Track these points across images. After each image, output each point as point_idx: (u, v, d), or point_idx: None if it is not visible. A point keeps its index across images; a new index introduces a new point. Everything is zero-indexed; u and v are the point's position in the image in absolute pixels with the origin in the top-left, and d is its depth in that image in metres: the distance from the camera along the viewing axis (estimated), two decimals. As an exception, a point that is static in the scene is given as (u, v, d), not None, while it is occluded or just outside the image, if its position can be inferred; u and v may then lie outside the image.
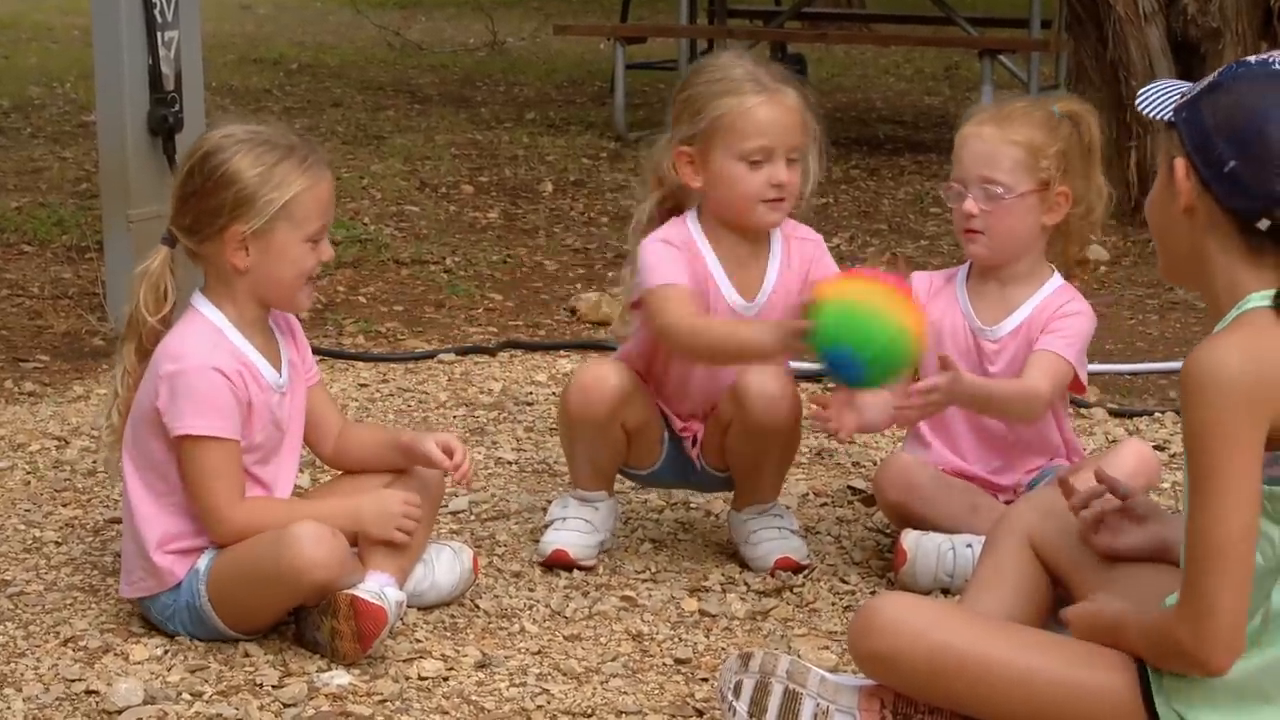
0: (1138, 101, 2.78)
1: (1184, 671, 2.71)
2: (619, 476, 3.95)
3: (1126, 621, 2.81)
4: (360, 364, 5.46)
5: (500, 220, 7.63)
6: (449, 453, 3.56)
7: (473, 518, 4.17)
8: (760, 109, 3.69)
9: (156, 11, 5.51)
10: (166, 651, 3.38)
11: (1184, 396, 2.63)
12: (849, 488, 4.41)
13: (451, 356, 5.54)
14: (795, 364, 3.81)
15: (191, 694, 3.21)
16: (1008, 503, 3.77)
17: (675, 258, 3.73)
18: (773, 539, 3.86)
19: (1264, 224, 2.63)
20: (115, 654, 3.37)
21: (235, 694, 3.22)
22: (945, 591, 3.70)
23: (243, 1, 17.37)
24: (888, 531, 4.04)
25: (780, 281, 3.81)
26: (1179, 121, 2.70)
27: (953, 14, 10.32)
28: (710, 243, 3.79)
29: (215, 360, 3.38)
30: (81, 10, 10.78)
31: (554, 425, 4.68)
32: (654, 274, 3.71)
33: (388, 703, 3.20)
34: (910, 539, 3.73)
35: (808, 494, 4.35)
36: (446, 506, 4.14)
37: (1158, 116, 2.73)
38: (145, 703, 3.16)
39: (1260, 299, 2.64)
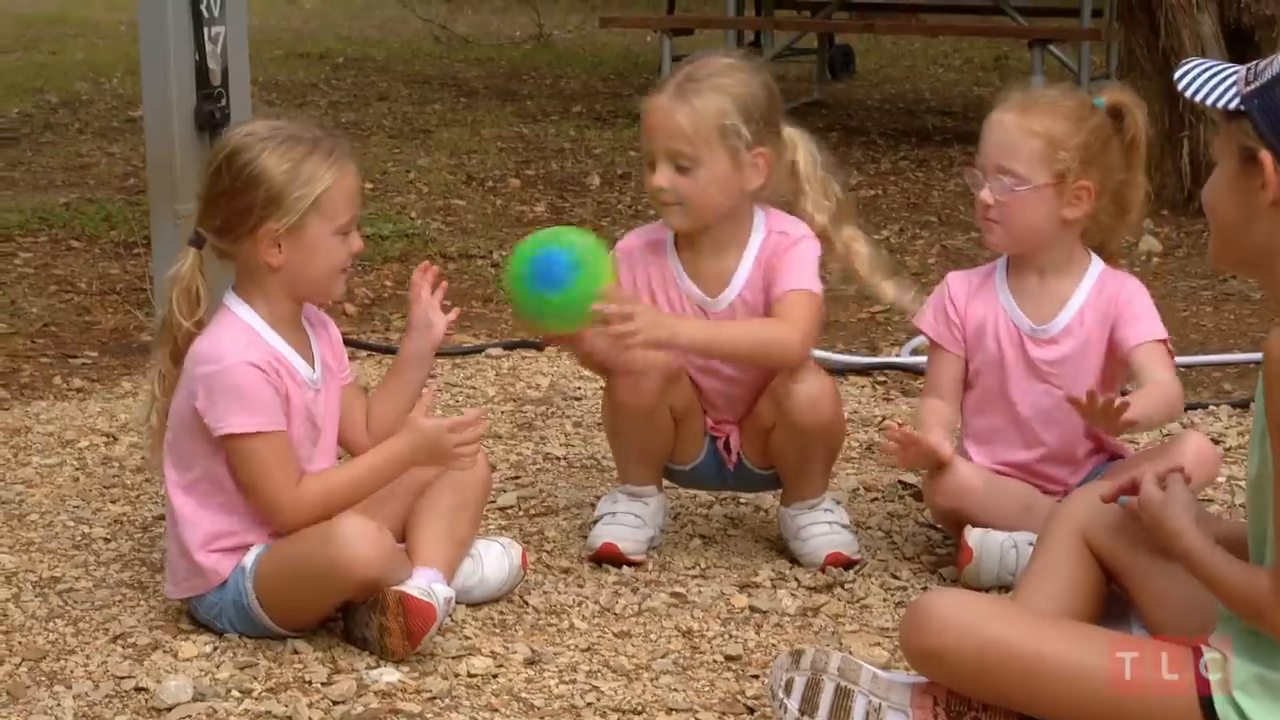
0: (1180, 83, 2.70)
1: (1263, 629, 2.70)
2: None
3: (1199, 550, 2.80)
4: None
5: (547, 214, 7.62)
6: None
7: (521, 513, 4.17)
8: (648, 114, 3.69)
9: (203, 6, 5.51)
10: (215, 648, 3.39)
11: (1267, 381, 2.59)
12: (900, 482, 4.38)
13: (499, 351, 5.54)
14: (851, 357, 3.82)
15: (240, 691, 3.22)
16: (1059, 499, 3.75)
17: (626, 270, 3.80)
18: (823, 534, 3.84)
19: None
20: (164, 651, 3.38)
21: (284, 691, 3.22)
22: (1005, 589, 3.67)
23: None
24: (939, 527, 4.02)
25: (751, 277, 3.77)
26: (1253, 110, 2.63)
27: (1002, 3, 10.27)
28: (680, 242, 3.82)
29: (250, 356, 3.38)
30: (128, 5, 10.83)
31: (602, 420, 4.67)
32: None
33: (436, 700, 3.20)
34: (975, 536, 3.70)
35: (858, 489, 4.33)
36: (494, 502, 4.14)
37: (1215, 105, 2.67)
38: (194, 700, 3.16)
39: None
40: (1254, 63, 2.70)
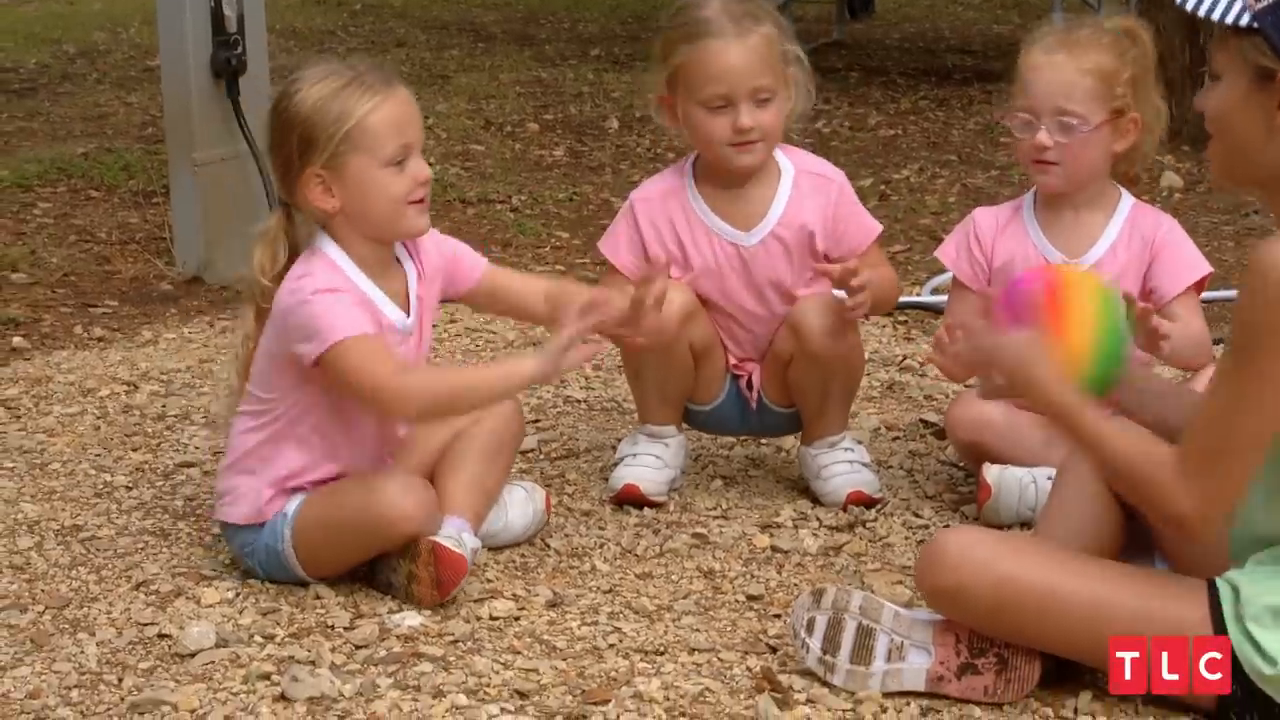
0: (1192, 4, 2.65)
1: (1156, 516, 2.77)
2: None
3: (1080, 410, 2.81)
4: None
5: (566, 158, 7.60)
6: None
7: (542, 457, 4.16)
8: (717, 56, 3.65)
9: (218, -46, 5.50)
10: (238, 595, 3.39)
11: (1243, 287, 2.60)
12: (921, 421, 4.37)
13: (519, 295, 5.51)
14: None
15: (264, 636, 3.22)
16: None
17: (629, 241, 3.81)
18: (844, 473, 3.83)
19: None
20: (187, 597, 3.39)
21: (307, 636, 3.23)
22: (1025, 526, 3.66)
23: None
24: (960, 465, 4.01)
25: (786, 216, 3.77)
26: (1266, 27, 2.61)
27: (1021, -60, 10.20)
28: (701, 185, 3.80)
29: (334, 283, 3.30)
30: (144, -46, 10.79)
31: (622, 363, 4.66)
32: (607, 246, 3.86)
33: (459, 643, 3.20)
34: (993, 473, 3.70)
35: (879, 428, 4.33)
36: (516, 446, 4.13)
37: (1230, 21, 2.63)
38: (217, 645, 3.17)
39: None
40: None
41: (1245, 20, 2.62)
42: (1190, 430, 2.69)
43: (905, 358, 4.87)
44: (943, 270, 5.44)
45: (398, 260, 3.45)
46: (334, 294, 3.29)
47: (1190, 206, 6.53)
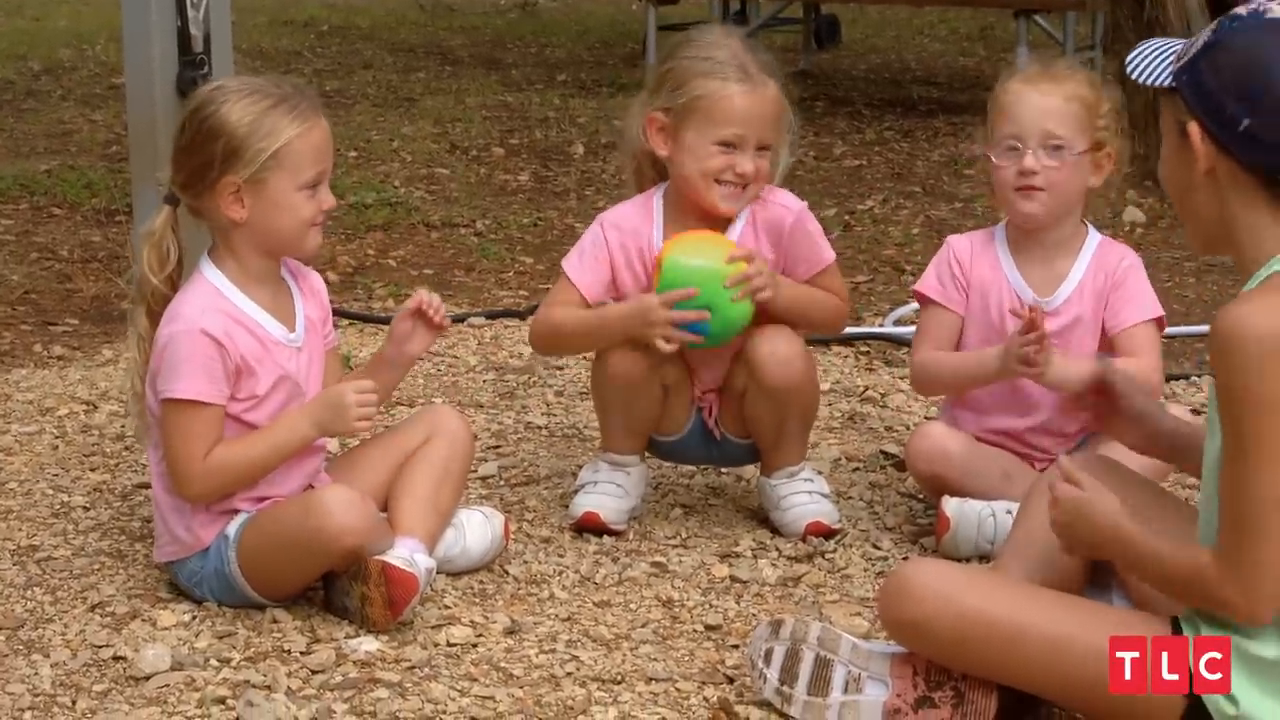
0: (1128, 67, 2.77)
1: (1214, 612, 2.71)
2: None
3: (1132, 536, 2.79)
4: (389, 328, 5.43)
5: (531, 183, 7.60)
6: (416, 303, 3.57)
7: (502, 483, 4.15)
8: (739, 98, 3.69)
9: (185, -27, 5.48)
10: (194, 617, 3.38)
11: (1214, 360, 2.63)
12: (881, 452, 4.38)
13: (481, 320, 5.52)
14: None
15: (219, 660, 3.20)
16: (1042, 469, 3.75)
17: (595, 263, 3.80)
18: (803, 503, 3.83)
19: None
20: (143, 620, 3.37)
21: (263, 660, 3.21)
22: (984, 559, 3.67)
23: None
24: (920, 497, 4.02)
25: (744, 237, 3.78)
26: (1181, 85, 2.69)
27: (988, -27, 10.24)
28: (670, 222, 3.80)
29: (203, 322, 3.36)
30: (111, -28, 10.76)
31: (585, 390, 4.66)
32: (570, 262, 3.83)
33: (416, 669, 3.19)
34: (952, 506, 3.71)
35: (839, 459, 4.32)
36: (476, 471, 4.13)
37: (1154, 82, 2.73)
38: (173, 669, 3.15)
39: None
40: (1191, 39, 2.74)
41: (1168, 81, 2.72)
42: (1220, 524, 2.68)
43: (867, 388, 4.87)
44: (905, 301, 5.47)
45: (282, 279, 3.51)
46: (196, 340, 3.34)
47: (1153, 242, 6.55)
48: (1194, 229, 2.80)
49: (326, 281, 3.68)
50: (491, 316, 5.56)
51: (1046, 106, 3.74)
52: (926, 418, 4.46)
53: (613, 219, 3.86)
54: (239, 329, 3.39)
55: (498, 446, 4.39)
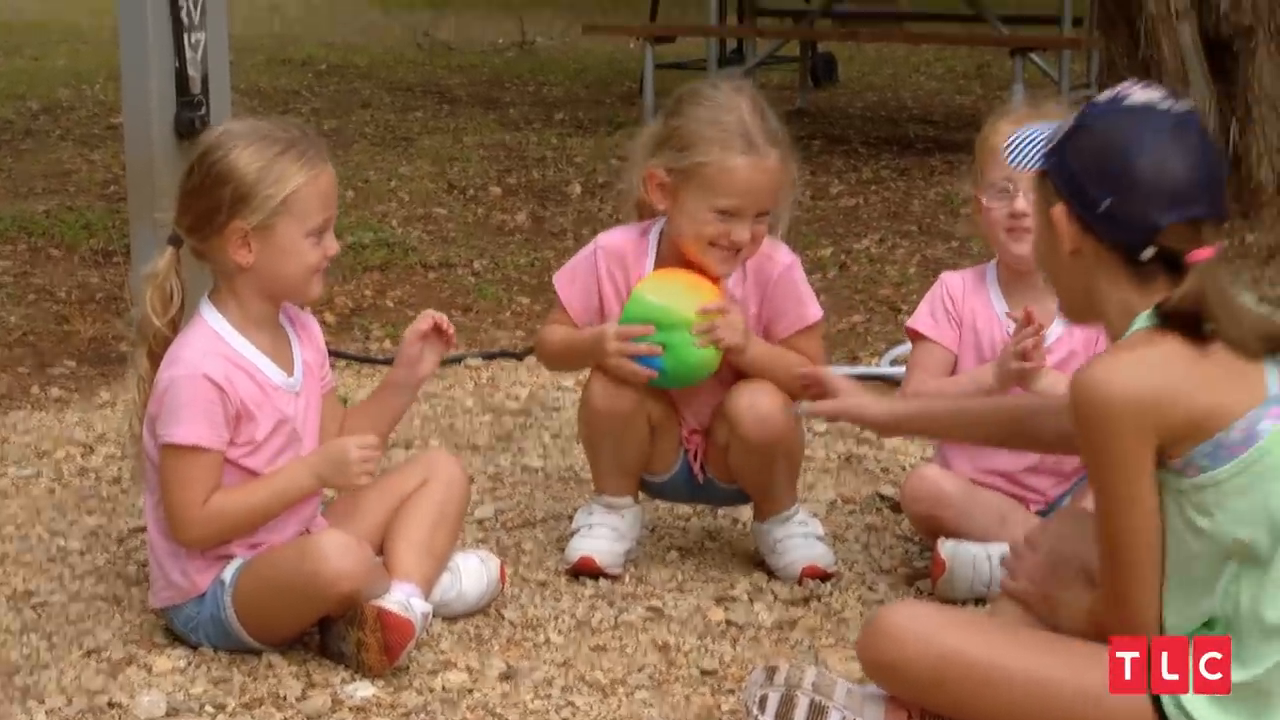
0: (1004, 154, 2.95)
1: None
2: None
3: (1065, 602, 2.95)
4: (387, 369, 5.43)
5: (528, 223, 7.62)
6: (427, 321, 3.62)
7: (498, 526, 4.15)
8: (742, 171, 3.65)
9: (184, 13, 5.50)
10: (190, 663, 3.37)
11: (1072, 418, 2.76)
12: (877, 494, 4.38)
13: (478, 361, 5.53)
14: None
15: (215, 706, 3.20)
16: (1039, 512, 3.75)
17: (584, 285, 3.83)
18: (798, 547, 3.83)
19: (1148, 253, 2.75)
20: (139, 665, 3.37)
21: (259, 706, 3.21)
22: (980, 602, 3.66)
23: (272, 2, 17.39)
24: (916, 539, 4.02)
25: (729, 294, 3.77)
26: (1049, 169, 2.83)
27: (984, 12, 10.28)
28: (660, 261, 3.80)
29: (204, 367, 3.36)
30: (111, 10, 10.80)
31: (579, 433, 4.65)
32: (561, 279, 3.87)
33: (412, 715, 3.19)
34: (947, 548, 3.71)
35: (835, 501, 4.33)
36: (472, 514, 4.13)
37: (1027, 167, 2.87)
38: (168, 715, 3.15)
39: (1145, 320, 2.75)
40: (1062, 124, 2.88)
41: (1038, 165, 2.86)
42: (1099, 564, 2.85)
43: (862, 429, 4.86)
44: (901, 341, 5.47)
45: (280, 324, 3.52)
46: (197, 384, 3.34)
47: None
48: (1064, 303, 2.94)
49: (324, 323, 3.70)
50: (488, 357, 5.57)
51: None
52: (923, 459, 4.47)
53: (608, 244, 3.86)
54: (239, 373, 3.40)
55: (494, 489, 4.40)
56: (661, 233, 3.82)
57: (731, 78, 3.93)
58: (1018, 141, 2.90)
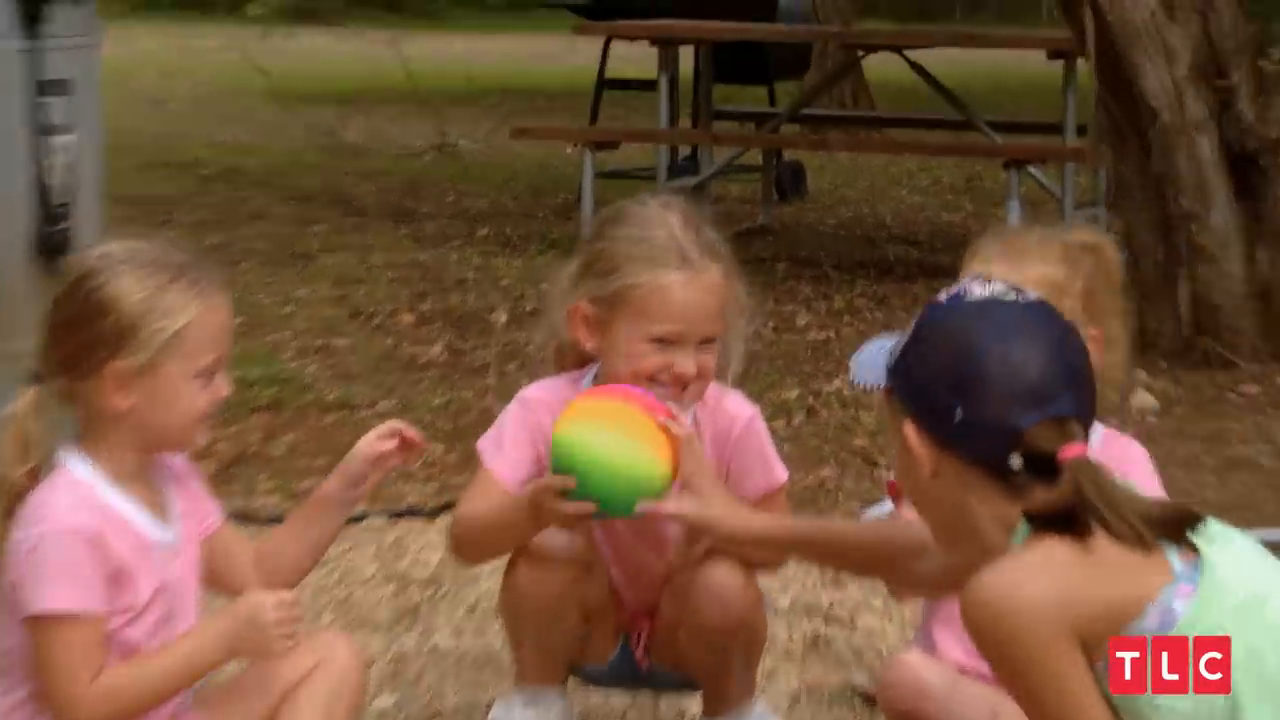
0: (851, 374, 2.93)
1: None
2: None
3: None
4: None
5: (444, 356, 7.61)
6: (391, 435, 3.55)
7: (402, 719, 4.09)
8: (678, 290, 3.64)
9: (46, 113, 5.47)
10: None
11: (980, 644, 2.69)
12: (849, 685, 4.34)
13: (382, 521, 5.49)
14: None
15: None
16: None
17: (517, 437, 3.78)
18: (756, 751, 3.79)
19: (1015, 461, 2.71)
20: None
21: None
22: (965, 811, 3.62)
23: (154, 95, 17.45)
24: (895, 738, 3.97)
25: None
26: (895, 384, 2.80)
27: (974, 117, 10.37)
28: None
29: (75, 521, 3.28)
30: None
31: (498, 606, 4.60)
32: (488, 450, 3.80)
33: None
34: (930, 751, 3.67)
35: (799, 692, 4.29)
36: (370, 707, 4.07)
37: (871, 385, 2.85)
38: None
39: (1026, 530, 2.72)
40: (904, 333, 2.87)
41: (884, 382, 2.83)
42: None
43: (832, 604, 4.84)
44: (879, 499, 5.44)
45: (153, 475, 3.45)
46: (69, 541, 3.25)
47: (1166, 432, 6.57)
48: (937, 533, 2.89)
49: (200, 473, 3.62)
50: (394, 516, 5.54)
51: None
52: (903, 641, 4.43)
53: (535, 395, 3.82)
54: (114, 530, 3.32)
55: (396, 675, 4.35)
56: (596, 377, 3.79)
57: (662, 194, 3.92)
58: (863, 354, 2.90)
